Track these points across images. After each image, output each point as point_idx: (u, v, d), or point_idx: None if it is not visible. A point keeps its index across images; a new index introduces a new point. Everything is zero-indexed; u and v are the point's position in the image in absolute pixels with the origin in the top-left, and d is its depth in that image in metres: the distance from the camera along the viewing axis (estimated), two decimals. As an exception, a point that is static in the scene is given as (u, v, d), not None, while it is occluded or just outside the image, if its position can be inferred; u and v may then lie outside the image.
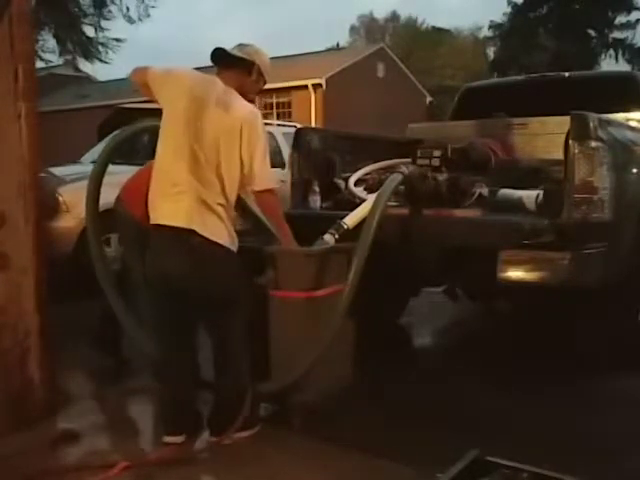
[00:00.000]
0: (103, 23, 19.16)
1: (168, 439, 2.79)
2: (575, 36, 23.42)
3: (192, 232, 2.66)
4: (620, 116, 4.29)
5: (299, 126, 5.16)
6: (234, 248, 2.77)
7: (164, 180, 2.73)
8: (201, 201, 2.66)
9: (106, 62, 20.30)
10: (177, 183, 2.68)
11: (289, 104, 21.77)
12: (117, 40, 20.05)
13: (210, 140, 2.68)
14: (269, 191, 2.80)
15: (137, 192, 3.29)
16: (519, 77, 7.34)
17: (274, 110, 21.79)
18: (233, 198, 2.78)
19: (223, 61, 2.84)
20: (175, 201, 2.68)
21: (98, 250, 3.35)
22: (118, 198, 3.72)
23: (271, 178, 2.82)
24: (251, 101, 2.86)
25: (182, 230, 2.66)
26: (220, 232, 2.71)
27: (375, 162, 4.30)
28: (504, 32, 26.03)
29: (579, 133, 3.11)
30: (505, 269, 3.10)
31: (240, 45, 2.89)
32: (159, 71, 2.84)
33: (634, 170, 3.53)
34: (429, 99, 26.61)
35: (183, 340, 2.85)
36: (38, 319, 3.04)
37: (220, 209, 2.70)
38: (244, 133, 2.70)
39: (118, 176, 3.77)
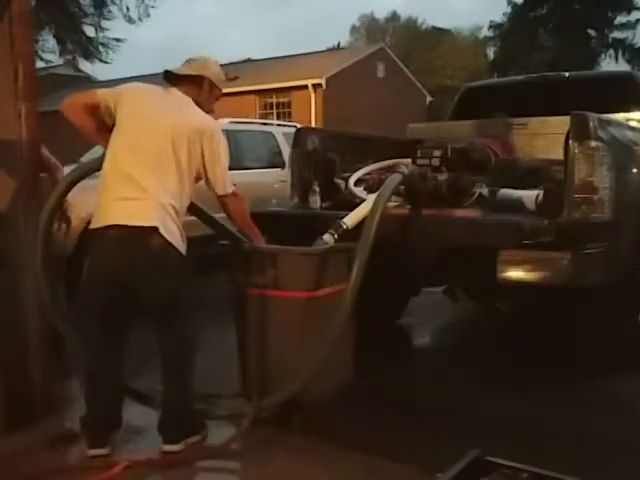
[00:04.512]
0: (103, 23, 19.33)
1: (92, 452, 2.70)
2: (575, 36, 23.47)
3: (151, 231, 2.60)
4: (620, 116, 4.29)
5: (299, 126, 5.16)
6: (184, 252, 2.73)
7: (118, 183, 2.66)
8: (158, 203, 2.63)
9: (106, 62, 20.44)
10: (132, 187, 2.63)
11: (289, 104, 21.73)
12: (117, 40, 20.18)
13: (168, 146, 2.68)
14: (232, 195, 2.87)
15: None
16: (519, 77, 7.32)
17: (274, 110, 21.78)
18: (186, 203, 2.79)
19: (174, 81, 2.89)
20: (130, 203, 2.62)
21: (42, 242, 3.02)
22: None
23: (230, 183, 2.87)
24: (209, 112, 2.91)
25: (141, 229, 2.60)
26: (175, 235, 2.68)
27: (375, 162, 4.30)
28: (504, 32, 26.09)
29: (579, 133, 3.11)
30: (505, 269, 3.09)
31: (189, 60, 2.93)
32: (110, 90, 2.80)
33: (634, 170, 3.53)
34: (429, 99, 26.56)
35: (117, 345, 2.80)
36: (38, 319, 3.04)
37: (173, 212, 2.67)
38: (205, 141, 2.74)
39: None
